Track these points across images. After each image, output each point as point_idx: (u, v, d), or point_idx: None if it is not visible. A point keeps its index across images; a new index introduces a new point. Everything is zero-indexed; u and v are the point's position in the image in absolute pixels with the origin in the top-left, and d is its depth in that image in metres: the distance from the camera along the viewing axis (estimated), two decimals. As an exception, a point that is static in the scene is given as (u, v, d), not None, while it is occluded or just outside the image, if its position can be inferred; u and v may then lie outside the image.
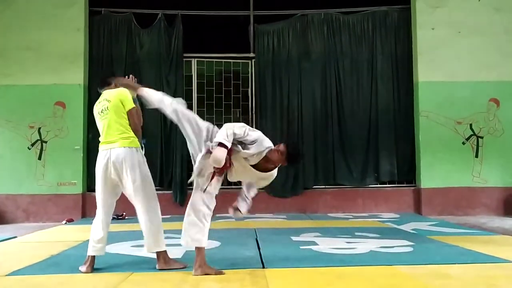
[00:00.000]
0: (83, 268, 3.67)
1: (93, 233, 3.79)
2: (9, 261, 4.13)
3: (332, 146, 8.29)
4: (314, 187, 8.21)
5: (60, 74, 7.82)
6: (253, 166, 3.59)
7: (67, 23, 7.90)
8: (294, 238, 5.17)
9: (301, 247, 4.58)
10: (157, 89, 9.11)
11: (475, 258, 3.94)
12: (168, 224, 6.58)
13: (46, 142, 7.82)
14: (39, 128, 7.81)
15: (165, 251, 3.74)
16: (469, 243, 4.67)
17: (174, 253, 4.20)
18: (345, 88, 8.42)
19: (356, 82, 8.44)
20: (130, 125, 3.73)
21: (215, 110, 8.67)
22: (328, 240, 4.99)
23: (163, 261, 3.70)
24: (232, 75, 8.64)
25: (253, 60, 8.58)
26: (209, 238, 5.13)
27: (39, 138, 7.82)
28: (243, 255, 4.24)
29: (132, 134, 3.73)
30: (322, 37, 8.47)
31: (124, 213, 7.52)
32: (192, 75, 8.56)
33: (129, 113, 3.74)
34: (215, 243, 4.87)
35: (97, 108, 3.90)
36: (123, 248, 4.66)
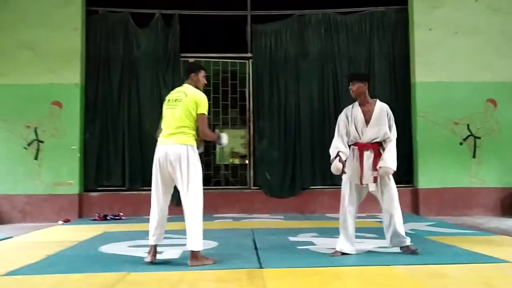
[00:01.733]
0: (147, 258, 3.87)
1: (152, 224, 3.92)
2: (4, 261, 4.11)
3: (329, 146, 8.26)
4: (312, 187, 8.21)
5: (57, 74, 7.79)
6: None
7: (64, 22, 7.87)
8: (292, 239, 5.16)
9: (298, 247, 4.58)
10: (154, 89, 9.16)
11: (473, 258, 3.94)
12: (167, 225, 6.58)
13: (42, 142, 7.79)
14: (36, 128, 7.77)
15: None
16: (466, 244, 4.67)
17: (173, 253, 4.20)
18: (343, 88, 8.40)
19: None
20: (196, 128, 3.87)
21: (212, 110, 8.66)
22: (325, 240, 4.99)
23: (195, 259, 3.79)
24: (229, 75, 8.63)
25: (250, 60, 8.57)
26: (207, 238, 5.14)
27: (35, 138, 7.78)
28: (241, 255, 4.24)
29: (192, 132, 3.85)
30: (319, 37, 8.47)
31: (121, 213, 7.51)
32: (189, 75, 8.53)
33: (200, 116, 3.86)
34: (213, 243, 4.87)
35: (169, 97, 4.04)
36: (120, 248, 4.65)
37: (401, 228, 4.15)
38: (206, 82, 4.22)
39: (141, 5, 8.49)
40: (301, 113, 8.34)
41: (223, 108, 8.62)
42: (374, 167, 4.06)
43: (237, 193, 8.31)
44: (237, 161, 9.78)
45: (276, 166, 8.23)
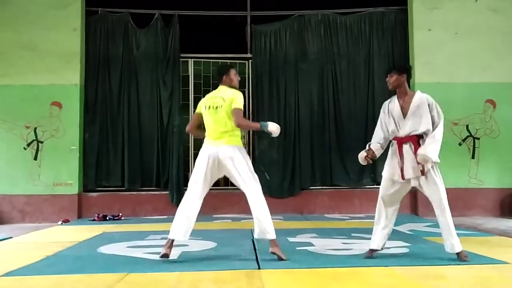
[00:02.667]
0: (162, 250, 3.93)
1: (178, 218, 4.01)
2: (4, 261, 4.11)
3: (329, 147, 8.30)
4: (311, 187, 8.22)
5: (57, 74, 7.80)
6: None
7: (64, 23, 7.88)
8: (291, 239, 5.16)
9: (297, 248, 4.58)
10: (154, 89, 9.17)
11: (471, 259, 3.94)
12: (166, 225, 6.59)
13: (42, 142, 7.80)
14: (35, 128, 7.78)
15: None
16: (465, 244, 4.64)
17: (172, 253, 4.19)
18: (342, 89, 8.43)
19: (353, 83, 8.45)
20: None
21: (212, 111, 8.68)
22: (324, 241, 4.99)
23: (275, 245, 3.95)
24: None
25: (250, 61, 8.58)
26: (206, 238, 5.15)
27: (35, 138, 7.79)
28: (239, 256, 4.24)
29: (238, 133, 4.06)
30: (319, 38, 8.48)
31: (120, 214, 7.52)
32: (189, 76, 8.56)
33: (233, 111, 3.98)
34: (211, 244, 4.87)
35: (207, 102, 4.13)
36: (119, 249, 4.65)
37: (448, 230, 3.91)
38: (239, 79, 4.34)
39: (140, 5, 8.50)
40: (300, 113, 8.35)
41: (223, 108, 8.63)
42: (417, 160, 3.88)
43: (236, 193, 8.22)
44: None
45: (276, 167, 8.24)
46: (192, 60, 8.54)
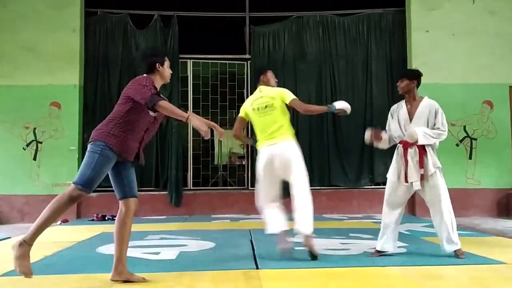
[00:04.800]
0: (284, 245, 4.11)
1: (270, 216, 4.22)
2: (3, 261, 4.12)
3: (327, 147, 8.32)
4: (310, 188, 8.21)
5: (56, 75, 7.82)
6: None
7: (63, 23, 7.90)
8: (289, 239, 5.17)
9: (295, 248, 4.59)
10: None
11: (468, 260, 3.96)
12: (164, 225, 6.61)
13: (41, 142, 7.81)
14: (34, 129, 7.80)
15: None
16: (462, 245, 4.68)
17: (170, 254, 4.21)
18: (340, 90, 8.45)
19: (351, 83, 8.47)
20: (299, 112, 4.25)
21: (210, 111, 8.70)
22: (322, 241, 5.00)
23: (311, 240, 4.05)
24: (227, 76, 8.67)
25: (248, 62, 8.60)
26: (204, 239, 5.17)
27: (34, 139, 7.81)
28: (237, 256, 4.26)
29: (291, 129, 4.19)
30: (317, 39, 8.51)
31: (119, 214, 7.52)
32: (187, 76, 8.58)
33: (292, 103, 4.12)
34: (210, 244, 4.89)
35: (254, 104, 4.26)
36: (118, 249, 4.64)
37: (451, 232, 3.97)
38: (276, 81, 4.52)
39: (139, 6, 8.52)
40: (298, 114, 8.35)
41: (222, 109, 8.66)
42: (420, 165, 3.98)
43: (235, 193, 8.33)
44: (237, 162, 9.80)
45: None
46: (191, 61, 8.56)
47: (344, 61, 8.47)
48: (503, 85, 8.05)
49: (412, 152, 4.03)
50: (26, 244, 3.15)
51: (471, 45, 8.03)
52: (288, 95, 4.15)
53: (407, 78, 4.22)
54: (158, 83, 3.42)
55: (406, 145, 4.06)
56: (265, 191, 4.23)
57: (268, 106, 4.15)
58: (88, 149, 3.29)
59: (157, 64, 3.40)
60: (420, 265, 3.79)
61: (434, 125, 4.09)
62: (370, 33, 8.50)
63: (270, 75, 4.41)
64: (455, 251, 3.99)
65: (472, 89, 8.00)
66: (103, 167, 3.26)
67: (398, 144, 4.17)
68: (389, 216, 4.15)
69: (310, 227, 4.03)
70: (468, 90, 7.99)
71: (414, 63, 8.07)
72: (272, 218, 4.20)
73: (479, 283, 3.26)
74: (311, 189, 4.33)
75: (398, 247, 4.59)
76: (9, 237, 5.71)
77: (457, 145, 8.00)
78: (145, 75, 3.38)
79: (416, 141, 3.97)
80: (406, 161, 4.03)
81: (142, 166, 3.45)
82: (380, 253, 4.11)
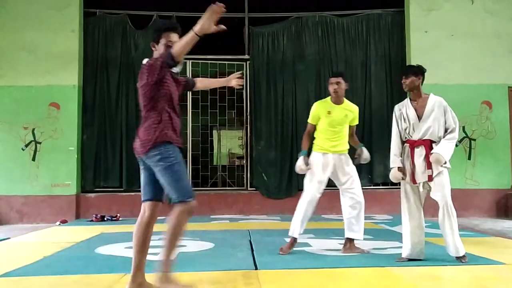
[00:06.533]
0: (362, 250, 4.34)
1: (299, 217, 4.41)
2: (2, 262, 4.12)
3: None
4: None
5: (55, 75, 7.80)
6: None
7: (62, 24, 7.89)
8: (288, 240, 5.17)
9: (294, 249, 4.59)
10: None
11: (468, 260, 3.96)
12: (163, 226, 6.60)
13: (40, 143, 7.80)
14: (33, 129, 7.79)
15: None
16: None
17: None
18: (339, 90, 8.44)
19: (350, 84, 8.42)
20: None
21: (209, 112, 8.70)
22: (321, 242, 5.01)
23: (349, 247, 4.34)
24: (227, 76, 8.64)
25: (247, 62, 8.60)
26: (203, 239, 5.17)
27: (33, 139, 7.80)
28: (236, 256, 4.26)
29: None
30: (316, 39, 8.51)
31: (118, 215, 7.52)
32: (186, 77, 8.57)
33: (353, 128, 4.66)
34: (209, 245, 4.89)
35: (334, 114, 4.53)
36: (117, 250, 4.65)
37: (452, 236, 3.83)
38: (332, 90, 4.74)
39: (138, 7, 8.51)
40: (298, 114, 8.37)
41: (221, 109, 8.66)
42: (427, 164, 3.83)
43: (234, 194, 8.33)
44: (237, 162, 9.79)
45: (273, 167, 8.26)
46: (190, 61, 8.55)
47: (343, 62, 8.47)
48: (502, 85, 8.05)
49: (419, 152, 3.90)
50: (165, 274, 3.01)
51: (470, 45, 8.04)
52: (355, 118, 4.79)
53: (412, 75, 4.07)
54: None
55: (414, 144, 3.94)
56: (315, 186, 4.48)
57: (343, 118, 4.71)
58: (155, 161, 2.93)
59: (153, 45, 3.15)
60: (419, 266, 3.79)
61: (445, 123, 3.91)
62: (369, 34, 8.51)
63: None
64: (462, 256, 3.86)
65: (471, 89, 8.00)
66: (183, 165, 2.98)
67: (405, 144, 4.05)
68: (407, 222, 4.00)
69: (358, 232, 4.44)
70: (467, 91, 7.99)
71: (413, 64, 8.05)
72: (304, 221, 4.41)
73: (479, 283, 3.27)
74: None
75: (398, 247, 4.59)
76: (8, 238, 5.70)
77: (456, 145, 7.98)
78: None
79: (443, 162, 3.81)
80: (413, 161, 3.91)
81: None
82: (408, 259, 3.95)
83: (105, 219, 7.36)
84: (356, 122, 4.67)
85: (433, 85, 7.97)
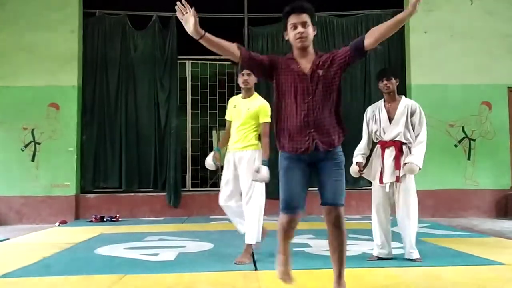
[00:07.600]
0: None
1: None
2: (1, 263, 4.12)
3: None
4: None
5: (54, 76, 7.80)
6: None
7: (61, 24, 7.89)
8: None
9: (294, 249, 4.58)
10: (151, 91, 9.15)
11: (467, 260, 3.97)
12: (163, 226, 6.61)
13: (39, 143, 7.80)
14: (33, 130, 7.78)
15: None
16: (461, 245, 4.70)
17: (169, 255, 4.21)
18: (339, 90, 8.45)
19: (349, 84, 8.47)
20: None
21: (209, 112, 8.70)
22: (321, 242, 5.00)
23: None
24: (226, 77, 8.67)
25: (247, 63, 8.58)
26: (203, 240, 5.16)
27: (32, 140, 7.79)
28: (236, 257, 4.24)
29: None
30: (315, 40, 8.41)
31: (118, 215, 7.52)
32: (186, 77, 8.58)
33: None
34: (209, 245, 4.89)
35: None
36: (116, 250, 4.65)
37: (413, 239, 4.00)
38: None
39: (138, 7, 8.50)
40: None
41: (220, 109, 8.64)
42: (396, 166, 3.94)
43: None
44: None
45: (272, 168, 8.24)
46: (190, 61, 8.56)
47: (342, 62, 8.46)
48: (501, 85, 8.06)
49: (389, 152, 4.00)
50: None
51: (470, 46, 8.04)
52: None
53: (394, 77, 4.16)
54: (296, 52, 2.94)
55: (384, 145, 4.04)
56: None
57: None
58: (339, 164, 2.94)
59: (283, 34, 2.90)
60: (419, 266, 3.80)
61: (413, 125, 4.01)
62: (369, 34, 8.50)
63: None
64: (415, 258, 3.98)
65: (470, 90, 8.01)
66: None
67: (377, 145, 4.14)
68: (376, 220, 4.18)
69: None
70: (467, 91, 8.00)
71: (413, 64, 8.09)
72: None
73: (478, 284, 3.27)
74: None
75: (397, 248, 4.60)
76: (8, 239, 5.70)
77: (455, 145, 8.01)
78: None
79: (417, 171, 3.92)
80: (383, 162, 4.01)
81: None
82: (377, 258, 4.10)
83: (105, 219, 7.36)
84: None
85: (432, 85, 8.02)
